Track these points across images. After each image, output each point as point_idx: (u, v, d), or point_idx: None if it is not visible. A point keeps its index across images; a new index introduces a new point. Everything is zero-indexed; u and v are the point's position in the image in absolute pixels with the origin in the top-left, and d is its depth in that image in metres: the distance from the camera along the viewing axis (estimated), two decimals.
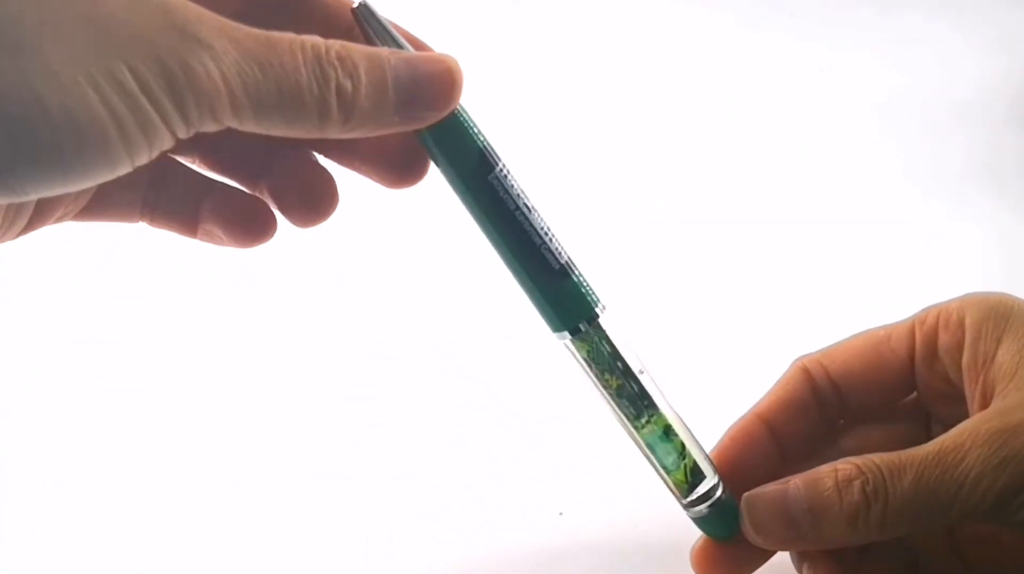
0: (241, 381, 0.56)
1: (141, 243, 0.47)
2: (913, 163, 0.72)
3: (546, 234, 0.36)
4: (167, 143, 0.30)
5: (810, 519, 0.37)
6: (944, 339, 0.40)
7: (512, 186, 0.35)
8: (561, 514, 0.49)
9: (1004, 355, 0.38)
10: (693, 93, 0.78)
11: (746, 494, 0.39)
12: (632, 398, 0.38)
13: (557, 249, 0.36)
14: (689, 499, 0.39)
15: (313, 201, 0.36)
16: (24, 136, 0.27)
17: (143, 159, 0.29)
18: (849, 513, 0.36)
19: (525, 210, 0.35)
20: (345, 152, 0.36)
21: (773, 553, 0.41)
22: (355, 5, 0.34)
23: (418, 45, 0.35)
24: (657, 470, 0.40)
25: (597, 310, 0.37)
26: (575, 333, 0.37)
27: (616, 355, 0.37)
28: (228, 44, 0.29)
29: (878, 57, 0.81)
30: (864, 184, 0.70)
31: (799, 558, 0.41)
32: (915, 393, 0.42)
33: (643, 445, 0.39)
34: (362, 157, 0.36)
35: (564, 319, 0.37)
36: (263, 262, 0.60)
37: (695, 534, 0.41)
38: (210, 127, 0.30)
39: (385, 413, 0.54)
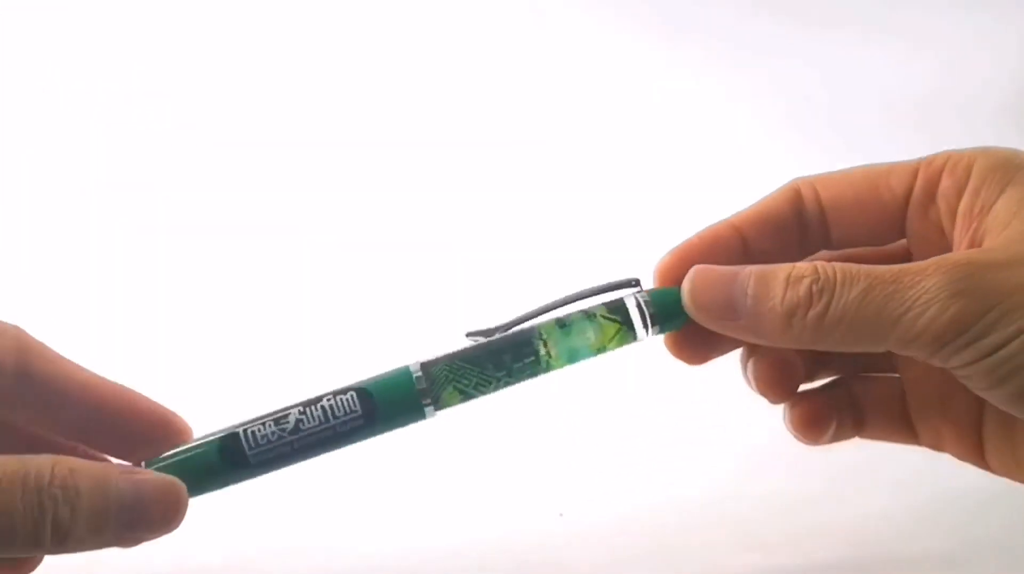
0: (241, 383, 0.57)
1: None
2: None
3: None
4: None
5: (749, 304, 0.35)
6: (946, 183, 0.37)
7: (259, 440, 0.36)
8: (561, 514, 0.49)
9: (1002, 205, 0.35)
10: (694, 91, 0.78)
11: (697, 265, 0.37)
12: (512, 366, 0.36)
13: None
14: (639, 331, 0.37)
15: None
16: None
17: None
18: (788, 307, 0.34)
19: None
20: None
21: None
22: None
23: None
24: (598, 351, 0.37)
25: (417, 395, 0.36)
26: (429, 406, 0.36)
27: (459, 377, 0.36)
28: None
29: (880, 56, 0.80)
30: None
31: (747, 354, 0.39)
32: (903, 240, 0.39)
33: (569, 356, 0.37)
34: None
35: (403, 414, 0.36)
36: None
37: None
38: None
39: None
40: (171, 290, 0.63)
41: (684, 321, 0.37)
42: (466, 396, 0.36)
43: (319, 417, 0.36)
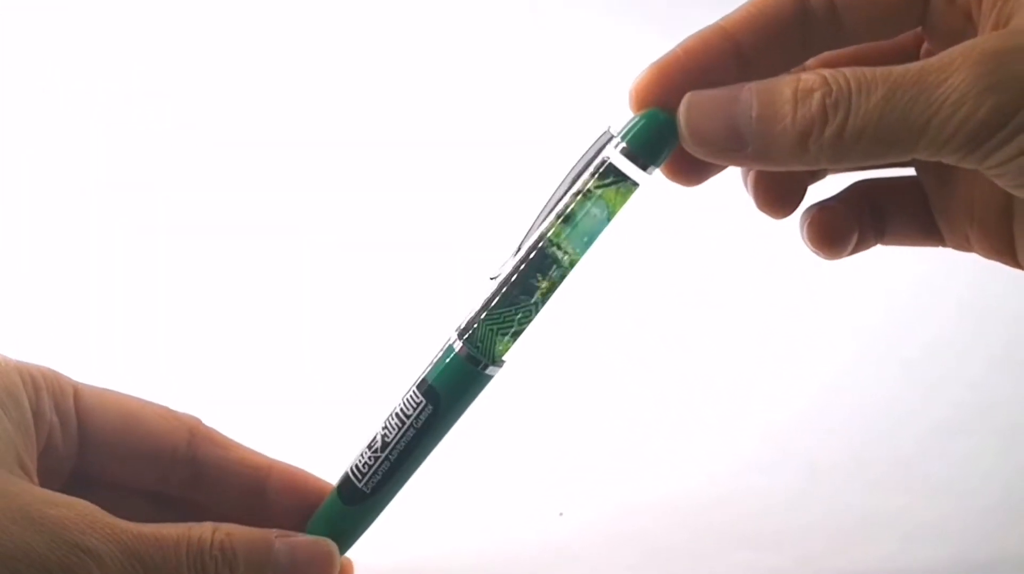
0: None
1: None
2: None
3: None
4: None
5: (756, 129, 0.31)
6: None
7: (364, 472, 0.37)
8: (561, 514, 0.49)
9: None
10: None
11: (690, 92, 0.33)
12: (542, 285, 0.35)
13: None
14: (638, 179, 0.34)
15: None
16: None
17: None
18: (801, 127, 0.31)
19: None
20: None
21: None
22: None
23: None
24: (610, 219, 0.35)
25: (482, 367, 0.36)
26: (488, 367, 0.36)
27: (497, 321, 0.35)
28: (115, 549, 0.31)
29: None
30: None
31: (746, 170, 0.36)
32: (916, 30, 0.35)
33: (586, 242, 0.35)
34: None
35: (467, 386, 0.36)
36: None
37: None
38: None
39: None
40: (171, 290, 0.63)
41: (675, 143, 0.34)
42: (517, 334, 0.35)
43: (395, 424, 0.36)
